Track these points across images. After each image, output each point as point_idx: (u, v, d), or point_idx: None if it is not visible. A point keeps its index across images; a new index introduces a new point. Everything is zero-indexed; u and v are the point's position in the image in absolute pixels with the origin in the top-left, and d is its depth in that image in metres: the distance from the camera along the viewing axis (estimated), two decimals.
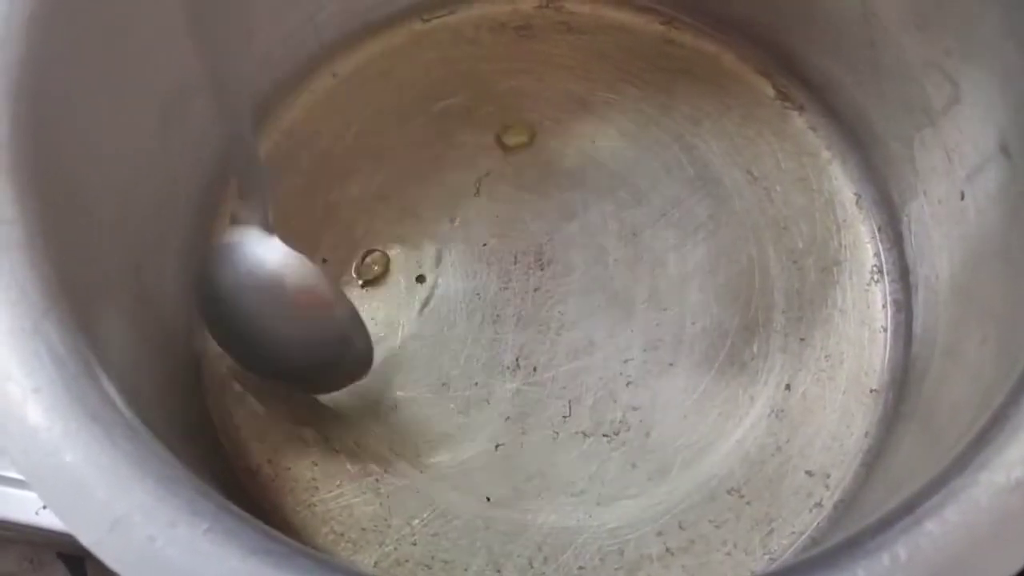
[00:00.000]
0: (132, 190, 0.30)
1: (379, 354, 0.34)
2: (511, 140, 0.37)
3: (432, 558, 0.32)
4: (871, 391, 0.34)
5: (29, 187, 0.22)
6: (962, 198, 0.31)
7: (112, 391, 0.21)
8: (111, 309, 0.26)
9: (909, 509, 0.20)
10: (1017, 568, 0.20)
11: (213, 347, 0.35)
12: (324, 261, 0.36)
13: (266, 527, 0.20)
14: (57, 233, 0.23)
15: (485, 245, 0.36)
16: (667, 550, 0.32)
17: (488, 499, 0.33)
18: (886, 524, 0.20)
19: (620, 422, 0.34)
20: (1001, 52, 0.28)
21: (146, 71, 0.30)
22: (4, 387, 0.20)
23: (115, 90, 0.28)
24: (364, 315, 0.32)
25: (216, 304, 0.31)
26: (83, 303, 0.23)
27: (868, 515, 0.28)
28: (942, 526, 0.20)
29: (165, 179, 0.33)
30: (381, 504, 0.33)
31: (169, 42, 0.31)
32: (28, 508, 0.32)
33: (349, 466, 0.33)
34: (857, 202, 0.37)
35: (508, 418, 0.34)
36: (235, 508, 0.20)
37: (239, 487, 0.33)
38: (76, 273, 0.23)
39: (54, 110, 0.24)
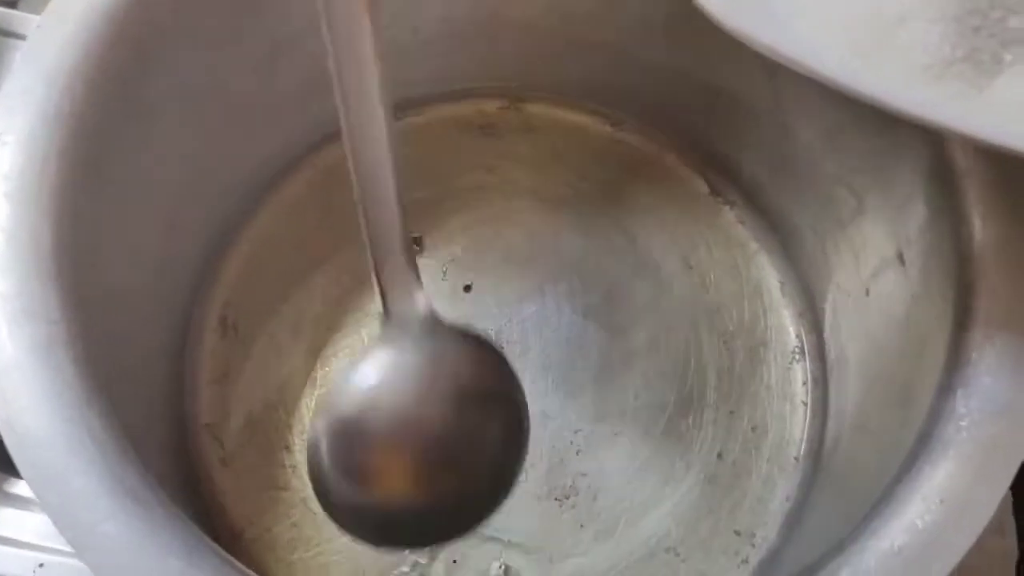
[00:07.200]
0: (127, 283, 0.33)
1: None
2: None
3: None
4: (793, 459, 0.38)
5: (70, 289, 0.25)
6: (867, 294, 0.35)
7: (141, 467, 0.24)
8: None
9: (809, 573, 0.24)
10: None
11: (197, 412, 0.38)
12: None
13: None
14: (91, 328, 0.26)
15: None
16: None
17: (454, 560, 0.36)
18: None
19: (571, 487, 0.37)
20: (899, 177, 0.32)
21: (158, 167, 0.33)
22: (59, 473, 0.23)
23: (131, 189, 0.32)
24: None
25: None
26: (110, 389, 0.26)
27: (787, 572, 0.32)
28: None
29: (160, 275, 0.36)
30: (356, 562, 0.36)
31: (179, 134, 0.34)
32: (27, 565, 0.35)
33: (326, 526, 0.36)
34: (781, 289, 0.41)
35: None
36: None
37: (224, 548, 0.36)
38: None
39: (88, 217, 0.28)
